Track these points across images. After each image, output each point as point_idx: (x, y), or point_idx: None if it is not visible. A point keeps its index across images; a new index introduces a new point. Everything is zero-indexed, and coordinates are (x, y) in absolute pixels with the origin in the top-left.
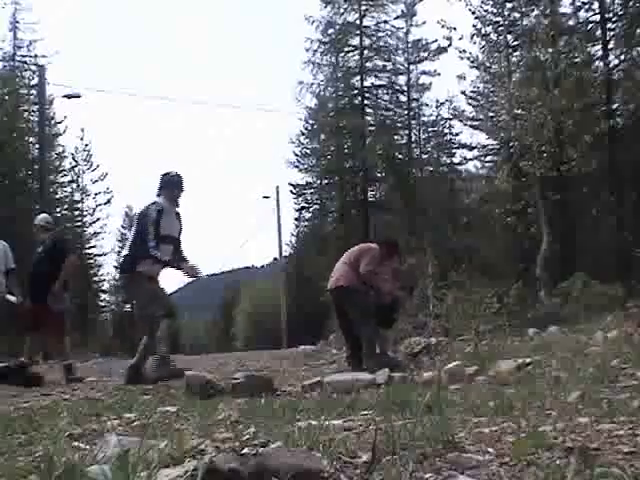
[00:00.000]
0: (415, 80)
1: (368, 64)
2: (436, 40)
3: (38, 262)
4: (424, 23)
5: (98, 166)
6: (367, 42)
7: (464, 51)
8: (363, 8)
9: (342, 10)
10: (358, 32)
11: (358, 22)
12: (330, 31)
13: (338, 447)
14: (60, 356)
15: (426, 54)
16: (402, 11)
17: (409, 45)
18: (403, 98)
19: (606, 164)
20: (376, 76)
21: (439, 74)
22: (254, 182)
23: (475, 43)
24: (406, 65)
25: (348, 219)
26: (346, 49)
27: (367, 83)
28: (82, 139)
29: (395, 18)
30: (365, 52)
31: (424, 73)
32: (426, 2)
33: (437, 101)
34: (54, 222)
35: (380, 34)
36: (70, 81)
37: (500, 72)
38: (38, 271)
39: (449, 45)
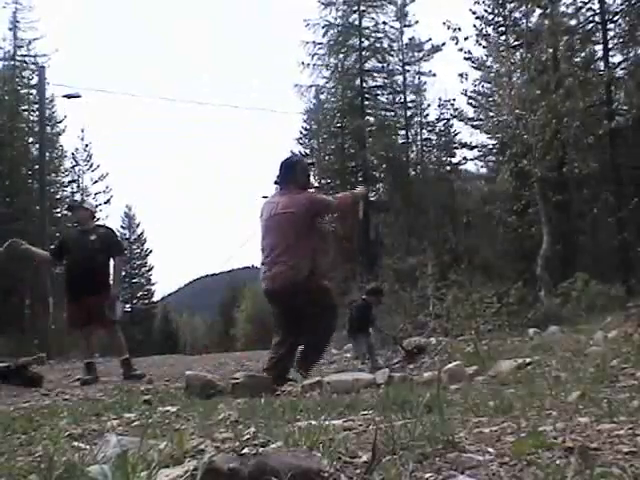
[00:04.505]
0: (411, 80)
1: (367, 65)
2: (429, 40)
3: (95, 252)
4: (417, 22)
5: (99, 166)
6: (366, 43)
7: (463, 51)
8: (362, 9)
9: (341, 12)
10: (357, 33)
11: (357, 23)
12: (330, 33)
13: (338, 447)
14: (119, 351)
15: (420, 54)
16: (395, 12)
17: (403, 46)
18: (402, 98)
19: (607, 164)
20: (374, 77)
21: (434, 75)
22: (254, 182)
23: (479, 44)
24: (401, 66)
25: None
26: (345, 50)
27: (367, 84)
28: (83, 139)
29: (393, 20)
30: (364, 53)
31: (420, 73)
32: (418, 2)
33: (440, 99)
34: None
35: (378, 35)
36: (70, 81)
37: (501, 72)
38: (93, 264)
39: (456, 44)
